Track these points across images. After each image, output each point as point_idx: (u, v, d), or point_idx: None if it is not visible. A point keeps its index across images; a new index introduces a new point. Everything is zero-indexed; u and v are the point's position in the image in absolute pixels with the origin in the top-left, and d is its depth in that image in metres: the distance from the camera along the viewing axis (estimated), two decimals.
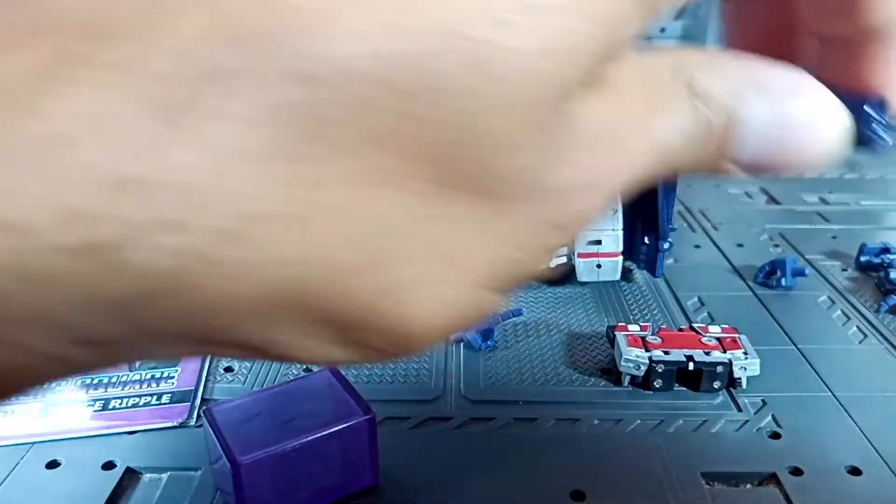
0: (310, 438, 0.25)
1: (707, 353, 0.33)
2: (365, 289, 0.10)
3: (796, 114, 0.11)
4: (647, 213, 0.42)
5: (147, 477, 0.28)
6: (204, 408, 0.27)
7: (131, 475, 0.28)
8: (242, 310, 0.10)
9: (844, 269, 0.46)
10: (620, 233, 0.40)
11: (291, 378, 0.30)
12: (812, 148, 0.11)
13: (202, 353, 0.11)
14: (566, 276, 0.44)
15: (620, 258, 0.41)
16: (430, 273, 0.11)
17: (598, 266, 0.41)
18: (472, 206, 0.10)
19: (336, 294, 0.10)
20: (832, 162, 0.12)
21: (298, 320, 0.10)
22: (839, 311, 0.41)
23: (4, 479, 0.28)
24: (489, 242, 0.11)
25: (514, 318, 0.39)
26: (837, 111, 0.11)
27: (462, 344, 0.37)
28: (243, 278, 0.09)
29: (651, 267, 0.43)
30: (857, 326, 0.39)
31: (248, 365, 0.36)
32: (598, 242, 0.40)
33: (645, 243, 0.43)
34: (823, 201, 0.59)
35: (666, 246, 0.41)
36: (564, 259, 0.42)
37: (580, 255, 0.41)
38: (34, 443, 0.30)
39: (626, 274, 0.43)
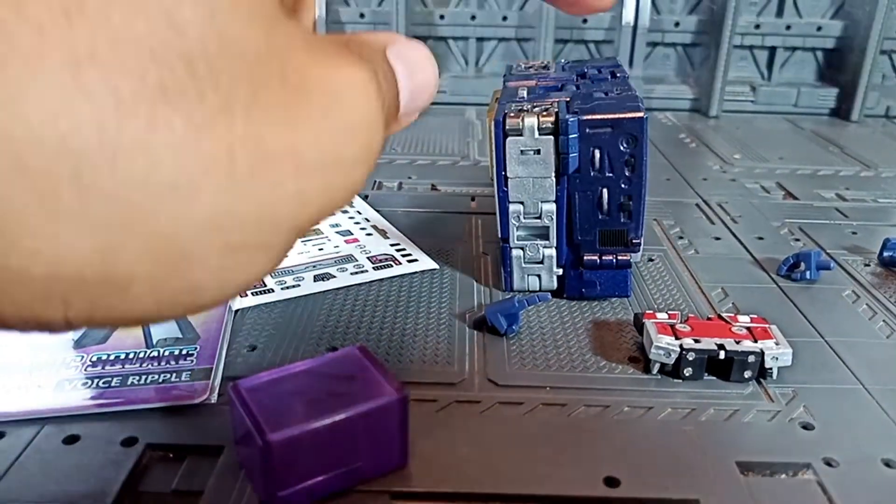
0: (341, 417, 0.25)
1: (738, 343, 0.33)
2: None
3: (422, 77, 0.16)
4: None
5: (169, 455, 0.28)
6: (231, 383, 0.26)
7: (152, 452, 0.28)
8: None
9: (867, 265, 0.45)
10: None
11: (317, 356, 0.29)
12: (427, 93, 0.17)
13: None
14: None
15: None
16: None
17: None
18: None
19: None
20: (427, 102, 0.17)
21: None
22: (865, 306, 0.40)
23: (20, 454, 0.27)
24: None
25: (539, 303, 0.38)
26: (431, 71, 0.17)
27: (486, 329, 0.36)
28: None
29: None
30: (884, 321, 0.39)
31: (273, 344, 0.35)
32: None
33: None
34: (840, 198, 0.58)
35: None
36: None
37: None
38: (49, 418, 0.29)
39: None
